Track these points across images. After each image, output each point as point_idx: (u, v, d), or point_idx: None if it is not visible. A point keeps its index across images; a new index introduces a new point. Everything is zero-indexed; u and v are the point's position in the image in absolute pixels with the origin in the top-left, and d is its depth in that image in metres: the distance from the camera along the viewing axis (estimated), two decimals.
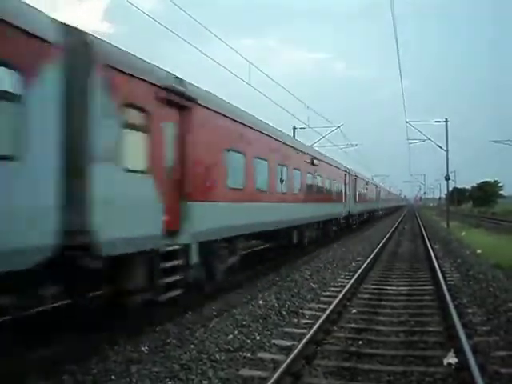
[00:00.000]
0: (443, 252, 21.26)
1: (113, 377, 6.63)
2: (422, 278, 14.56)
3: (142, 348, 7.82)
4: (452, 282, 13.20)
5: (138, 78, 8.33)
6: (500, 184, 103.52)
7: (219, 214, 11.37)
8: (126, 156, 7.91)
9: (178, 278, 9.37)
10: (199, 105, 10.35)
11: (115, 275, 8.14)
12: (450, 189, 50.59)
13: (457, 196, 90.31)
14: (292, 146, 18.84)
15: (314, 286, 13.02)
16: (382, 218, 61.27)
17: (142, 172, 8.37)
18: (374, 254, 19.19)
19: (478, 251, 21.60)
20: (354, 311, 10.28)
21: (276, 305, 10.60)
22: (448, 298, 10.37)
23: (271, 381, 5.87)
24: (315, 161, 22.11)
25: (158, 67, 9.40)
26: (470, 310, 10.04)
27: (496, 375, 6.39)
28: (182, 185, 9.74)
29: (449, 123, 40.04)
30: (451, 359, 6.94)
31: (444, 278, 13.19)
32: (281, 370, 6.21)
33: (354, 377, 6.58)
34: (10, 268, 5.69)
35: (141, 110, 8.41)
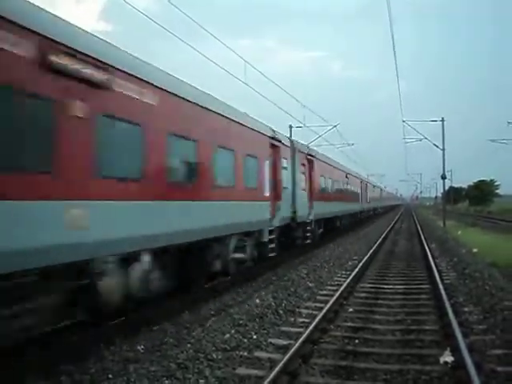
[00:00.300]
0: (440, 251, 21.31)
1: (110, 376, 6.65)
2: (419, 276, 14.59)
3: (139, 347, 7.84)
4: (448, 281, 13.23)
5: (302, 152, 21.08)
6: (496, 183, 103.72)
7: (318, 207, 22.88)
8: (301, 184, 20.35)
9: (309, 234, 21.53)
10: (316, 158, 23.63)
11: (297, 231, 19.77)
12: (447, 188, 50.76)
13: (453, 195, 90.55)
14: (340, 169, 31.86)
15: (310, 284, 13.04)
16: (379, 216, 61.44)
17: (304, 190, 20.92)
18: (370, 252, 19.23)
19: (474, 250, 21.66)
20: (351, 310, 10.29)
21: (273, 304, 10.61)
22: (444, 296, 10.40)
23: (268, 380, 5.88)
24: (348, 175, 34.57)
25: (304, 143, 23.83)
26: (466, 309, 10.07)
27: (492, 373, 6.41)
28: (311, 193, 22.05)
29: (447, 123, 40.28)
30: (447, 358, 6.97)
31: (440, 276, 13.21)
32: (277, 368, 6.23)
33: (351, 375, 6.60)
34: (284, 223, 17.76)
35: (303, 165, 21.05)
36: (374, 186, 62.53)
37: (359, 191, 41.77)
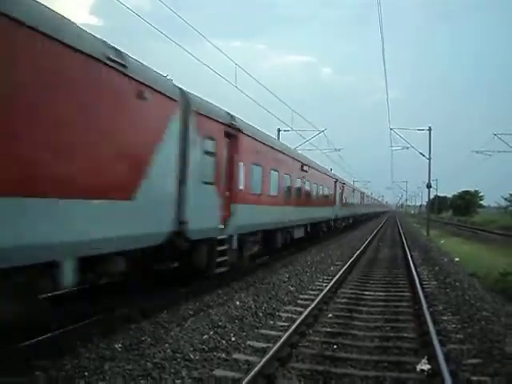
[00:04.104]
0: (422, 259, 21.42)
1: (86, 373, 6.57)
2: (400, 284, 14.66)
3: (116, 346, 7.74)
4: (429, 290, 13.31)
5: (211, 118, 11.93)
6: (480, 194, 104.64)
7: (249, 212, 14.85)
8: (204, 172, 11.47)
9: (225, 258, 12.82)
10: (242, 133, 14.11)
11: (194, 254, 11.50)
12: (432, 197, 51.09)
13: (437, 204, 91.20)
14: (297, 159, 22.90)
15: (291, 288, 13.03)
16: (362, 223, 61.61)
17: (212, 184, 11.96)
18: (353, 258, 19.28)
19: (456, 259, 21.88)
20: (331, 315, 10.30)
21: (253, 306, 10.59)
22: (424, 304, 10.45)
23: (244, 382, 5.87)
24: (311, 169, 26.38)
25: (223, 109, 12.97)
26: (445, 318, 10.14)
27: (467, 383, 6.46)
28: (230, 190, 13.18)
29: (434, 132, 40.70)
30: (424, 366, 7.01)
31: (421, 284, 13.29)
32: (254, 371, 6.21)
33: (328, 380, 6.60)
34: (160, 242, 9.55)
35: (212, 140, 11.96)
36: (355, 190, 55.87)
37: (332, 194, 34.52)
